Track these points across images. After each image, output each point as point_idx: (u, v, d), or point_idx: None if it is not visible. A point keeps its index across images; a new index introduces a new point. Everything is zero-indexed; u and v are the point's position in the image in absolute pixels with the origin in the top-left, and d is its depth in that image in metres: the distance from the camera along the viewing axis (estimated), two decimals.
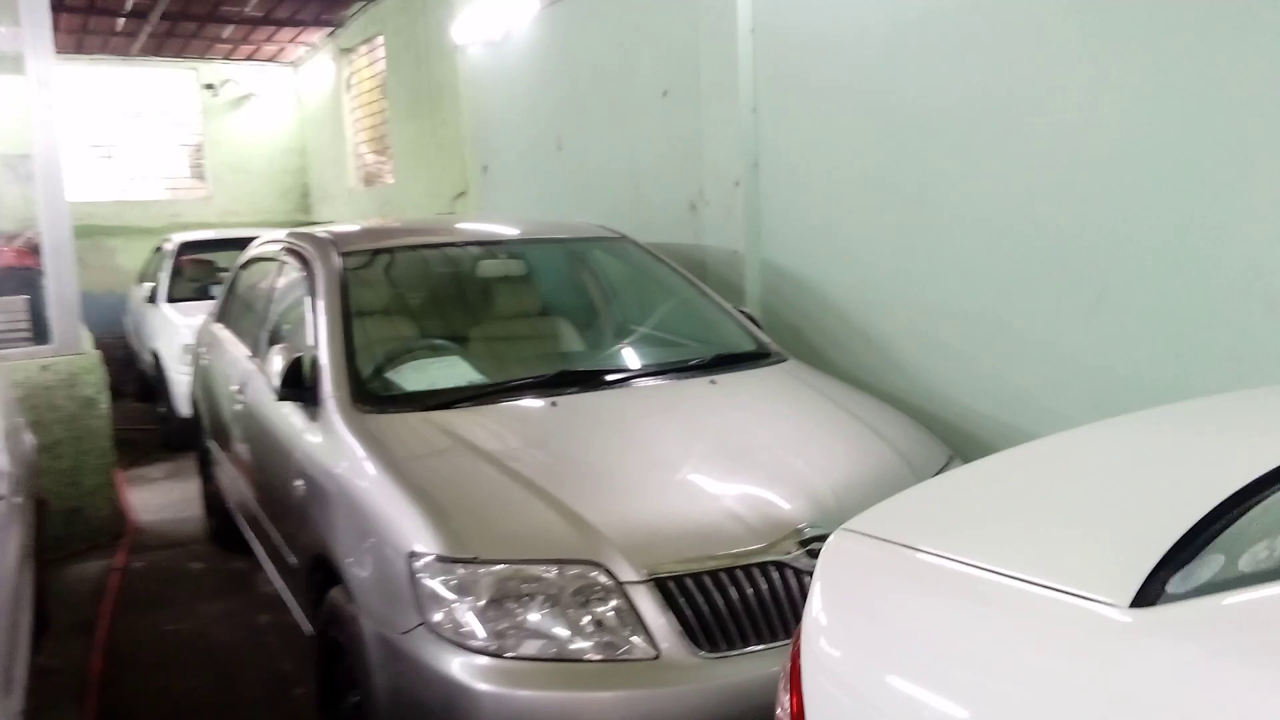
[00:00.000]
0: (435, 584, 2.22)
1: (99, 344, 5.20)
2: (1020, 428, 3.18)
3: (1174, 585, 0.94)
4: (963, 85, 3.29)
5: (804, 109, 4.02)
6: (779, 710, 1.22)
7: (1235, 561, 0.94)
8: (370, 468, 2.62)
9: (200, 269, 7.74)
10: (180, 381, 6.18)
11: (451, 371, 3.24)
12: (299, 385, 3.06)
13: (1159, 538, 1.04)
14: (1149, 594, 0.93)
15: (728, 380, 3.18)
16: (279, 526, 3.29)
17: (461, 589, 2.21)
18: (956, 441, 3.12)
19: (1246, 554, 0.94)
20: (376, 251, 3.80)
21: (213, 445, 4.50)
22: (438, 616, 2.20)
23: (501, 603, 2.19)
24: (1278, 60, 2.42)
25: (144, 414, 7.56)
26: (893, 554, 1.18)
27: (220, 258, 7.88)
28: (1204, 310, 2.65)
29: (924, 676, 1.05)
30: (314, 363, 3.10)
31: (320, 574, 2.79)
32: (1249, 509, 1.05)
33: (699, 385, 3.14)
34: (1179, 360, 2.71)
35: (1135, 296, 2.81)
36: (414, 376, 3.19)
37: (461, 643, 2.16)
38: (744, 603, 2.24)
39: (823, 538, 2.32)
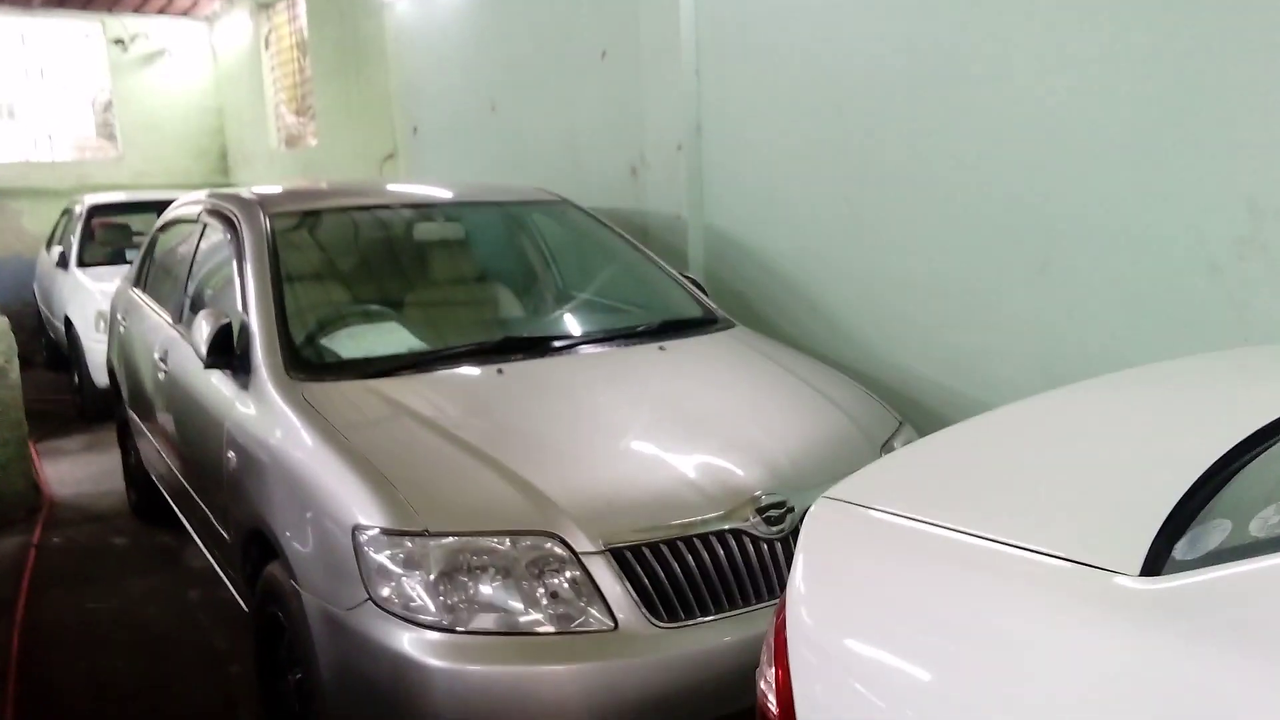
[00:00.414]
0: (382, 558, 2.14)
1: (5, 311, 4.93)
2: (967, 394, 3.20)
3: (1181, 552, 0.93)
4: (910, 50, 3.26)
5: (748, 72, 3.97)
6: (762, 684, 1.18)
7: (1244, 526, 0.92)
8: (308, 438, 2.51)
9: (113, 232, 7.40)
10: (95, 350, 5.92)
11: (390, 338, 3.13)
12: (228, 353, 2.92)
13: (1155, 501, 1.02)
14: (1156, 561, 0.91)
15: (676, 347, 3.14)
16: (209, 500, 3.15)
17: (410, 562, 2.13)
18: (903, 408, 3.13)
19: (1256, 518, 0.93)
20: (307, 213, 3.65)
21: (133, 416, 4.31)
22: (385, 591, 2.12)
23: (452, 576, 2.12)
24: (1225, 28, 2.44)
25: (56, 384, 7.23)
26: (879, 522, 1.15)
27: (134, 220, 7.55)
28: (1149, 276, 2.68)
29: (915, 648, 1.03)
30: (244, 329, 2.96)
31: (256, 548, 2.69)
32: (1244, 466, 1.03)
33: (648, 352, 3.09)
34: (1125, 326, 2.75)
35: (1081, 262, 2.84)
36: (350, 343, 3.07)
37: (411, 618, 2.09)
38: (702, 571, 2.21)
39: (779, 504, 2.34)
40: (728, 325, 3.40)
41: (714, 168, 4.21)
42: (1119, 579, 0.92)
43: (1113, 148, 2.72)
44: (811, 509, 1.23)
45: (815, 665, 1.10)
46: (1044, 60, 2.86)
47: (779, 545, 2.31)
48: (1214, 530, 0.94)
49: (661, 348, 3.11)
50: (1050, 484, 1.19)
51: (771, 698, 1.14)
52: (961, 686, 0.97)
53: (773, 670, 1.15)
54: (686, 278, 3.67)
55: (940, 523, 1.10)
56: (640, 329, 3.27)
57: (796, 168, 3.79)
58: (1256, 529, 0.91)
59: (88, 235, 7.21)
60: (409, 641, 2.07)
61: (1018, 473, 1.27)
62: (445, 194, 4.04)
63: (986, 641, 0.98)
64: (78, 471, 5.43)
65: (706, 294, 3.62)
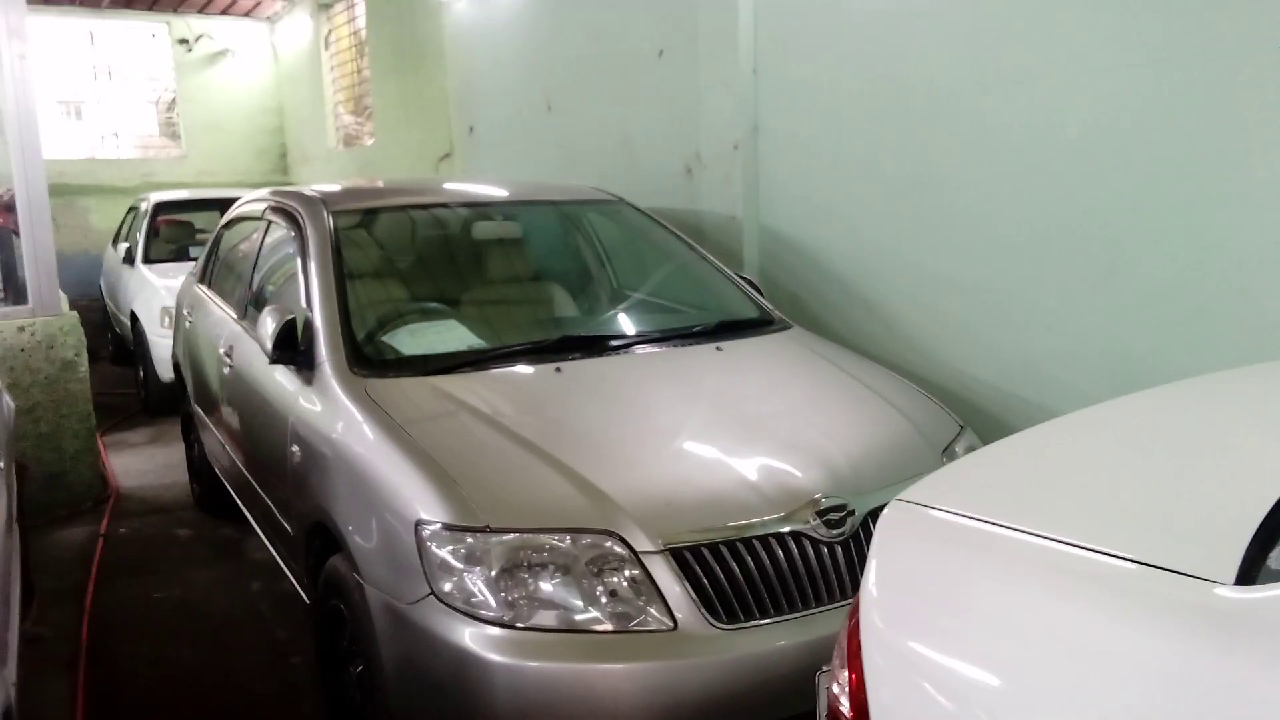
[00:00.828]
0: (444, 553, 2.17)
1: (73, 306, 5.07)
2: (1030, 400, 3.15)
3: (1276, 560, 0.90)
4: (972, 52, 3.22)
5: (807, 72, 3.95)
6: (835, 687, 1.18)
7: None
8: (371, 433, 2.55)
9: (177, 229, 7.57)
10: (160, 345, 6.06)
11: (449, 335, 3.16)
12: (292, 348, 2.97)
13: (1243, 509, 1.00)
14: (1251, 569, 0.89)
15: (733, 347, 3.13)
16: (273, 493, 3.21)
17: (471, 558, 2.15)
18: (963, 413, 3.09)
19: None
20: (369, 211, 3.70)
21: (197, 410, 4.40)
22: (447, 586, 2.14)
23: (513, 572, 2.14)
24: None
25: (121, 378, 7.41)
26: (954, 525, 1.14)
27: (198, 218, 7.72)
28: (1218, 282, 2.62)
29: (990, 652, 1.01)
30: (308, 325, 3.01)
31: (319, 542, 2.73)
32: None
33: (705, 352, 3.09)
34: (1192, 333, 2.69)
35: (1148, 268, 2.78)
36: (411, 340, 3.11)
37: (472, 613, 2.11)
38: (761, 573, 2.20)
39: (839, 507, 2.32)
40: (785, 326, 3.39)
41: (770, 168, 4.20)
42: (1214, 587, 0.90)
43: (1182, 151, 2.66)
44: (885, 512, 1.22)
45: (888, 668, 1.09)
46: (1110, 59, 2.81)
47: (839, 548, 2.29)
48: None
49: (719, 348, 3.11)
50: (1132, 490, 1.17)
51: (845, 700, 1.14)
52: (1037, 693, 0.96)
53: (845, 673, 1.15)
54: (742, 278, 3.66)
55: (1019, 526, 1.08)
56: (697, 329, 3.27)
57: (855, 168, 3.76)
58: None
59: (153, 232, 7.38)
60: (470, 636, 2.09)
61: (1097, 478, 1.24)
62: (503, 193, 4.08)
63: (1065, 647, 0.97)
64: (142, 464, 5.57)
65: (763, 294, 3.61)
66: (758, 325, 3.36)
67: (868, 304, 3.78)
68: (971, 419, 3.07)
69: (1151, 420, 1.42)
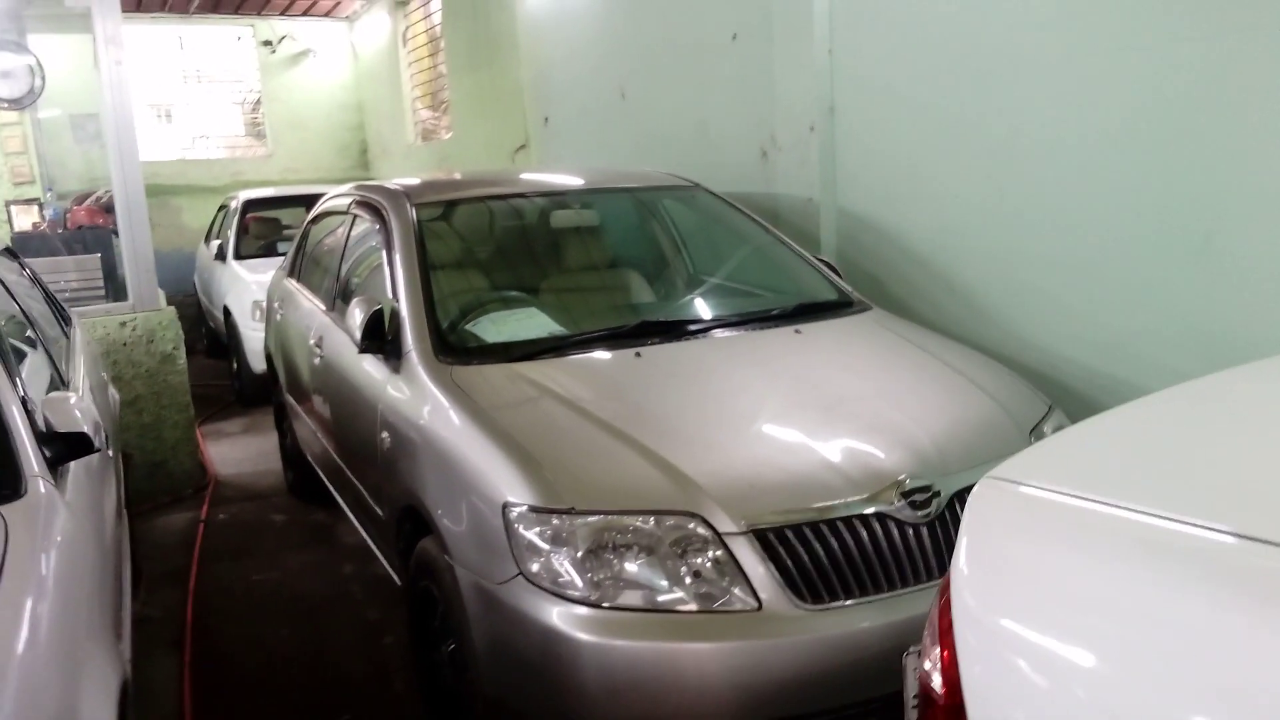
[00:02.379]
0: (531, 534, 2.21)
1: (169, 301, 5.27)
2: (1120, 378, 3.07)
3: None
4: (1055, 18, 3.14)
5: (884, 48, 3.89)
6: (927, 664, 1.18)
7: None
8: (457, 419, 2.61)
9: (266, 226, 7.81)
10: (252, 338, 6.27)
11: (530, 323, 3.21)
12: (380, 338, 3.06)
13: None
14: None
15: (813, 330, 3.12)
16: (364, 479, 3.31)
17: (557, 539, 2.19)
18: (1051, 393, 3.03)
19: None
20: (450, 203, 3.77)
21: (289, 399, 4.55)
22: (535, 567, 2.19)
23: (598, 553, 2.17)
24: None
25: (216, 370, 7.69)
26: (1048, 502, 1.13)
27: (284, 214, 7.95)
28: None
29: (1092, 633, 1.00)
30: (394, 315, 3.09)
31: (409, 525, 2.81)
32: None
33: (784, 335, 3.08)
34: None
35: (1248, 237, 2.68)
36: (493, 328, 3.17)
37: (560, 593, 2.15)
38: (845, 555, 2.20)
39: (924, 488, 2.30)
40: (865, 308, 3.36)
41: (847, 148, 4.15)
42: None
43: None
44: (975, 489, 1.21)
45: (980, 647, 1.09)
46: (1202, 25, 2.71)
47: (924, 530, 2.27)
48: None
49: (798, 330, 3.10)
50: (1232, 464, 1.14)
51: (937, 677, 1.14)
52: (1136, 671, 0.94)
53: (937, 650, 1.15)
54: (820, 260, 3.64)
55: (1114, 502, 1.06)
56: (775, 312, 3.26)
57: (934, 145, 3.70)
58: None
59: (243, 229, 7.63)
60: (558, 615, 2.13)
61: (1194, 452, 1.21)
62: (579, 181, 4.11)
63: (1164, 624, 0.95)
64: (237, 453, 5.78)
65: (841, 276, 3.58)
66: (837, 307, 3.33)
67: (950, 284, 3.72)
68: (1059, 399, 3.00)
69: (1251, 394, 1.38)
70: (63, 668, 1.64)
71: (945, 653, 1.13)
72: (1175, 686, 0.91)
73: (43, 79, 6.61)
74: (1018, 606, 1.09)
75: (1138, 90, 2.92)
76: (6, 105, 6.64)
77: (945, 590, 1.17)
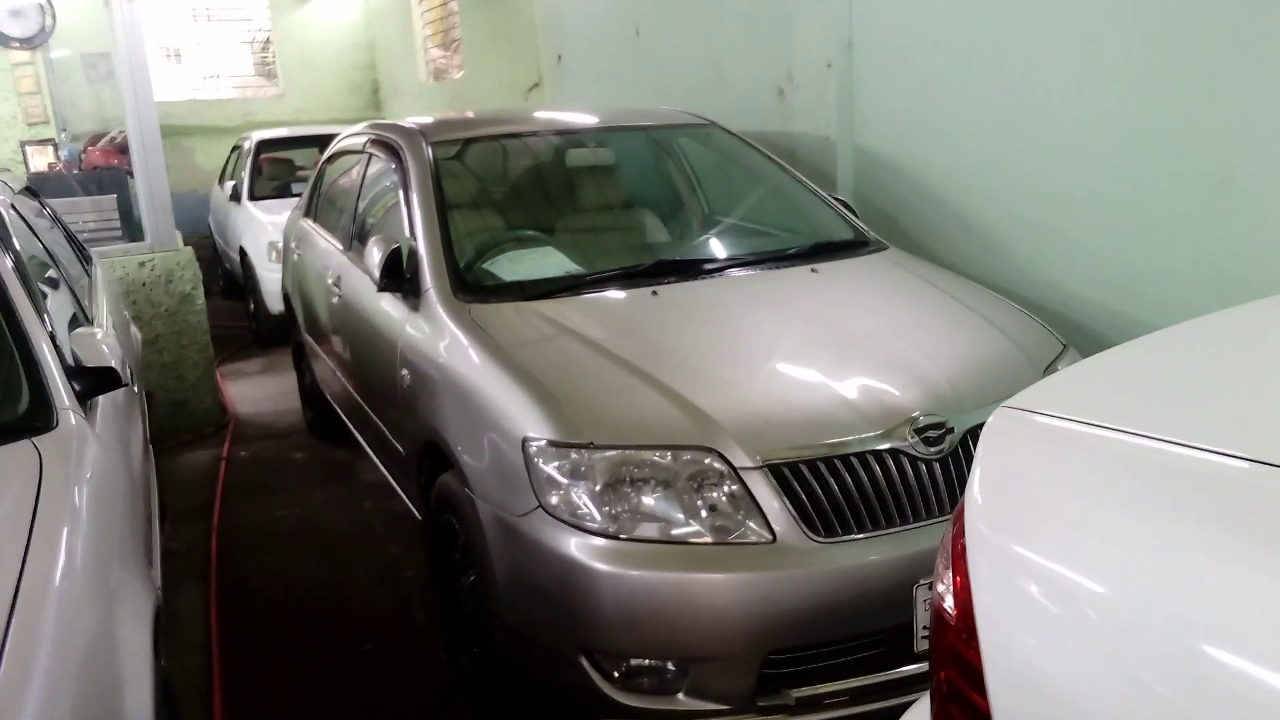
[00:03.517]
0: (550, 468, 2.25)
1: (185, 243, 5.29)
2: (1135, 318, 3.07)
3: None
4: None
5: None
6: (940, 587, 1.21)
7: None
8: (477, 355, 2.64)
9: (279, 167, 7.80)
10: (269, 278, 6.30)
11: (547, 262, 3.23)
12: (398, 277, 3.08)
13: None
14: None
15: (829, 269, 3.12)
16: (384, 416, 3.36)
17: (575, 473, 2.23)
18: (1065, 332, 3.03)
19: None
20: (466, 142, 3.76)
21: (308, 339, 4.59)
22: (554, 499, 2.23)
23: (616, 487, 2.21)
24: None
25: (232, 311, 7.73)
26: (1063, 430, 1.14)
27: (297, 155, 7.93)
28: None
29: (1106, 559, 1.01)
30: (412, 254, 3.10)
31: (430, 460, 2.86)
32: None
33: (800, 274, 3.09)
34: None
35: (1268, 177, 2.66)
36: (510, 267, 3.19)
37: (578, 524, 2.20)
38: (859, 490, 2.23)
39: (938, 425, 2.33)
40: (881, 247, 3.35)
41: (865, 86, 4.10)
42: None
43: None
44: (990, 419, 1.23)
45: (992, 573, 1.12)
46: None
47: (937, 466, 2.30)
48: None
49: (814, 269, 3.11)
50: (1247, 392, 1.15)
51: (949, 600, 1.17)
52: (1150, 595, 0.96)
53: (950, 574, 1.18)
54: (837, 200, 3.62)
55: (1128, 429, 1.08)
56: (791, 251, 3.26)
57: (953, 82, 3.65)
58: None
59: (256, 170, 7.61)
60: (576, 546, 2.18)
61: (1208, 382, 1.23)
62: (594, 120, 4.09)
63: (1179, 548, 0.97)
64: (256, 392, 5.85)
65: (857, 216, 3.57)
66: (853, 247, 3.33)
67: (966, 223, 3.70)
68: (1075, 338, 3.01)
69: (1266, 326, 1.39)
70: (99, 595, 1.68)
71: (958, 578, 1.16)
72: (1189, 614, 0.92)
73: (53, 17, 6.58)
74: (1032, 534, 1.12)
75: (1159, 25, 2.87)
76: (18, 44, 6.62)
77: (959, 517, 1.20)
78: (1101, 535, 1.05)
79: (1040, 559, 1.09)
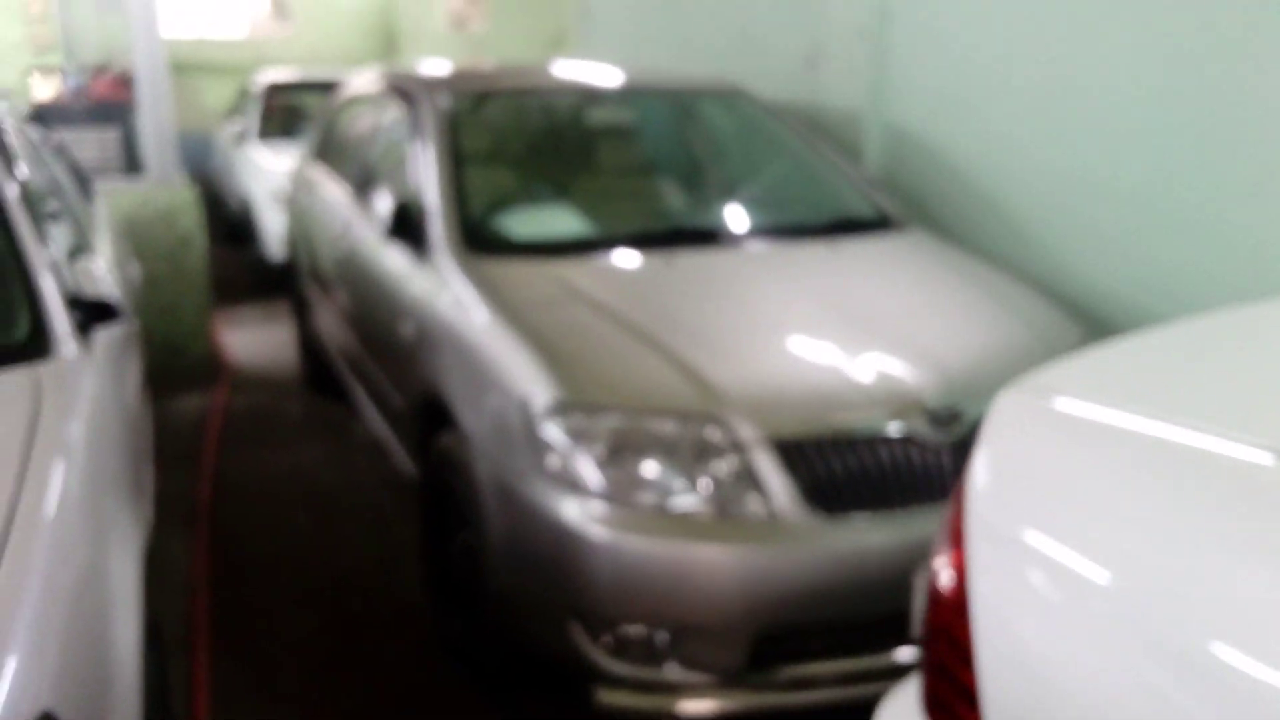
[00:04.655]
0: (552, 431, 2.20)
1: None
2: (1162, 312, 3.00)
3: None
4: None
5: None
6: (936, 563, 1.17)
7: None
8: (484, 313, 2.58)
9: (289, 111, 7.66)
10: (271, 227, 6.20)
11: (561, 221, 3.16)
12: (406, 227, 3.01)
13: None
14: None
15: (850, 246, 3.05)
16: (385, 368, 3.30)
17: (578, 436, 2.18)
18: (1088, 323, 2.96)
19: None
20: (484, 94, 3.68)
21: (310, 287, 4.51)
22: (554, 463, 2.18)
23: (618, 452, 2.16)
24: None
25: (232, 257, 7.62)
26: (1071, 414, 1.10)
27: (308, 99, 7.78)
28: None
29: (1113, 547, 0.97)
30: (421, 205, 3.03)
31: (429, 416, 2.80)
32: None
33: (819, 250, 3.02)
34: None
35: None
36: (522, 224, 3.12)
37: (578, 489, 2.15)
38: (864, 470, 2.18)
39: (948, 410, 2.27)
40: (905, 227, 3.28)
41: (899, 58, 3.98)
42: None
43: None
44: (996, 401, 1.19)
45: (992, 557, 1.08)
46: None
47: (946, 451, 2.25)
48: None
49: (833, 246, 3.04)
50: (1266, 382, 1.11)
51: (945, 576, 1.13)
52: (1159, 585, 0.92)
53: (949, 549, 1.14)
54: (863, 176, 3.55)
55: (1140, 414, 1.03)
56: (812, 226, 3.19)
57: (991, 59, 3.55)
58: None
59: (265, 113, 7.48)
60: (574, 511, 2.13)
61: (1225, 371, 1.18)
62: (618, 80, 3.99)
63: (1191, 537, 0.93)
64: (253, 341, 5.74)
65: (883, 193, 3.49)
66: (876, 225, 3.26)
67: (995, 206, 3.62)
68: (1098, 331, 2.94)
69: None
70: (91, 527, 1.65)
71: (956, 553, 1.12)
72: (1197, 606, 0.89)
73: None
74: (1036, 518, 1.08)
75: (1202, 15, 2.79)
76: None
77: (959, 495, 1.16)
78: (1110, 523, 1.01)
79: (1043, 543, 1.06)
